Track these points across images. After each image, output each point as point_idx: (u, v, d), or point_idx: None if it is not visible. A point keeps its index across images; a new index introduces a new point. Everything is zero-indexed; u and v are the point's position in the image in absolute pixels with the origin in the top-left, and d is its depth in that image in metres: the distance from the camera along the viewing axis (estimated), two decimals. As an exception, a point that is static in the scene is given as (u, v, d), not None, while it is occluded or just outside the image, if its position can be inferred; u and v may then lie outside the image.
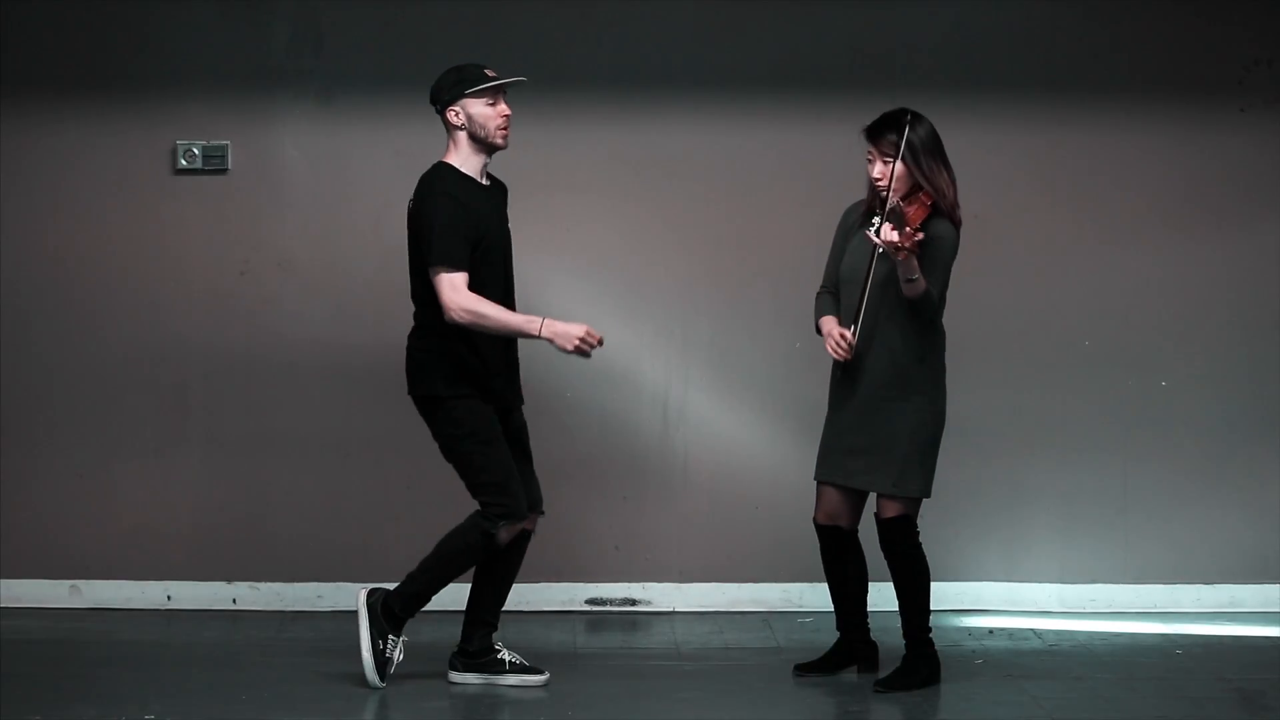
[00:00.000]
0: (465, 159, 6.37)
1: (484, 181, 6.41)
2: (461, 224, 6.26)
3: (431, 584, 6.49)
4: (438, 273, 6.24)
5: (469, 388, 6.36)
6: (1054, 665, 6.92)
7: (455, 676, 6.56)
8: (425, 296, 6.36)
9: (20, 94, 7.53)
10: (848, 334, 6.40)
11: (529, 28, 7.50)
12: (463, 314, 6.23)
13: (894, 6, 7.61)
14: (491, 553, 6.41)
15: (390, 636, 6.48)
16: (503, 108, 6.36)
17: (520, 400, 6.54)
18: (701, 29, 7.60)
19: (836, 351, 6.42)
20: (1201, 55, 7.66)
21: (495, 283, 6.39)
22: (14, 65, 7.52)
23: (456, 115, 6.33)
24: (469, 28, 7.52)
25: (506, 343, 6.42)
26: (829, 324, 6.51)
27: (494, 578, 6.52)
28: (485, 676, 6.54)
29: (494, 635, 6.57)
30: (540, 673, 6.55)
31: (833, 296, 6.58)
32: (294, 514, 7.62)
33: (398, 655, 6.49)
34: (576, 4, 7.53)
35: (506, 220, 6.48)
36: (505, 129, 6.36)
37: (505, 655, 6.55)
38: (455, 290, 6.23)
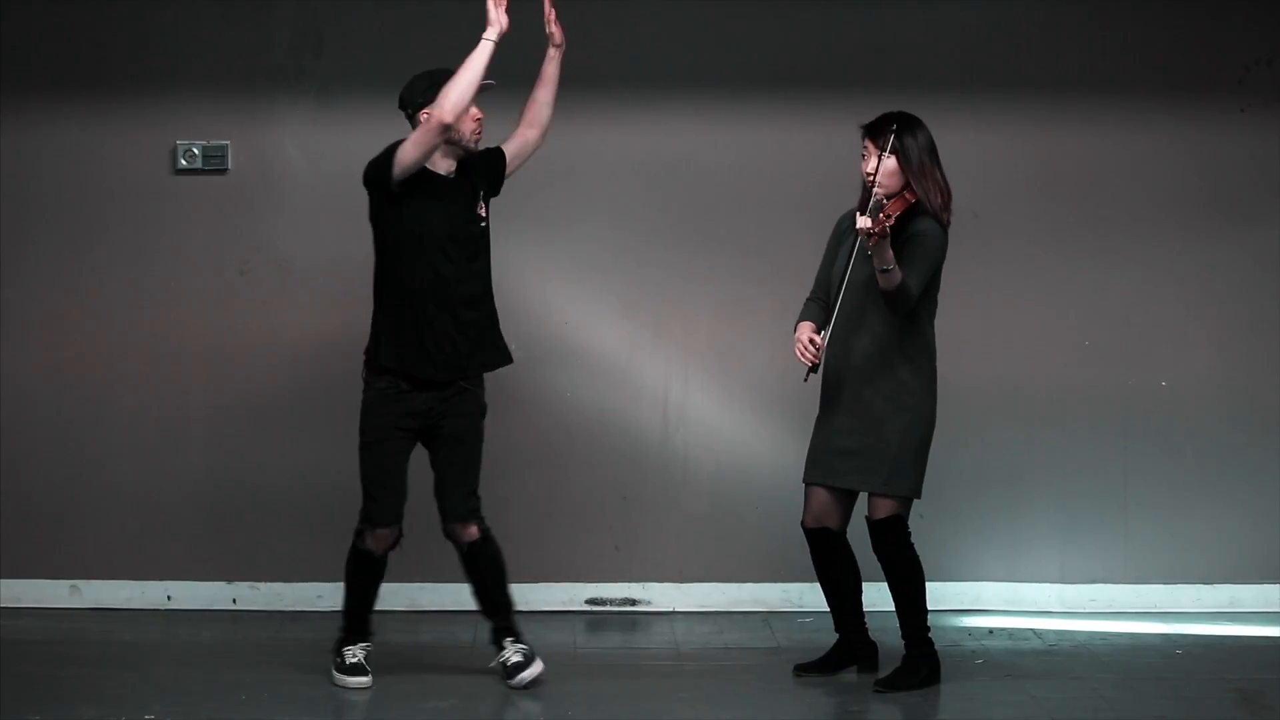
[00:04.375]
0: (436, 163, 6.44)
1: (442, 173, 6.46)
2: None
3: (347, 597, 6.58)
4: (412, 134, 6.31)
5: (390, 374, 6.43)
6: (1054, 665, 6.92)
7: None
8: (377, 270, 6.49)
9: (20, 94, 7.53)
10: (818, 339, 6.42)
11: (528, 28, 7.48)
12: (448, 114, 6.21)
13: (895, 7, 7.61)
14: (363, 558, 6.50)
15: (345, 649, 6.53)
16: (475, 110, 6.42)
17: (464, 374, 6.50)
18: (701, 29, 7.60)
19: (804, 356, 6.43)
20: (1201, 55, 7.66)
21: (423, 273, 6.40)
22: (14, 65, 7.52)
23: (430, 119, 6.36)
24: (469, 28, 7.48)
25: (445, 314, 6.42)
26: (803, 328, 6.53)
27: (470, 579, 6.58)
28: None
29: (504, 636, 6.57)
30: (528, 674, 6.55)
31: (818, 304, 6.60)
32: (294, 514, 7.62)
33: (357, 658, 6.53)
34: (576, 4, 7.52)
35: (468, 210, 6.46)
36: (479, 131, 6.43)
37: (508, 651, 6.55)
38: (428, 119, 6.27)
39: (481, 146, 6.50)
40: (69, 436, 7.59)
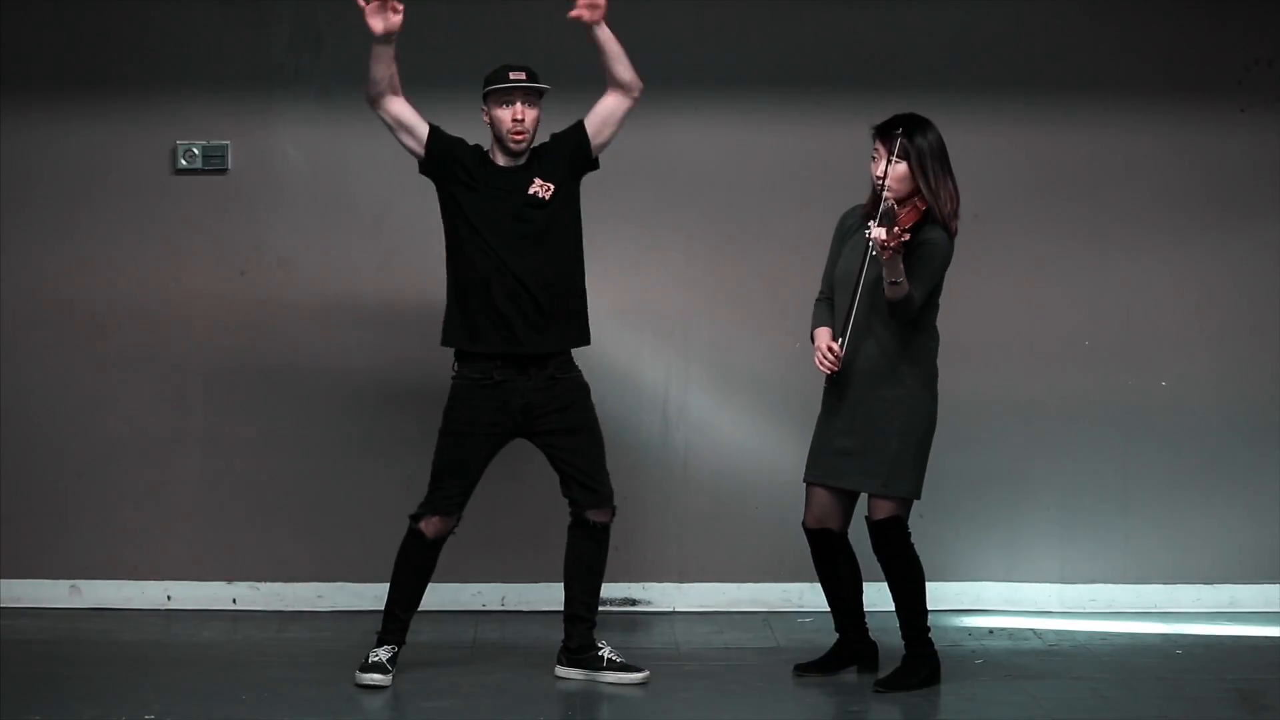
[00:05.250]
0: (496, 155, 6.54)
1: (500, 164, 6.52)
2: (454, 140, 6.55)
3: (391, 587, 6.59)
4: None
5: (480, 360, 6.47)
6: (1054, 665, 6.92)
7: (559, 671, 6.64)
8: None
9: (20, 94, 7.52)
10: (835, 346, 6.41)
11: (529, 28, 7.50)
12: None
13: (895, 7, 7.61)
14: (416, 541, 6.51)
15: (376, 648, 6.54)
16: (516, 109, 6.46)
17: (529, 352, 6.49)
18: (702, 29, 7.60)
19: (823, 364, 6.43)
20: (1201, 55, 7.66)
21: (469, 260, 6.45)
22: (14, 65, 7.52)
23: (485, 115, 6.53)
24: (468, 28, 7.53)
25: (494, 297, 6.45)
26: (821, 336, 6.52)
27: (572, 572, 6.63)
28: (586, 673, 6.61)
29: (594, 632, 6.64)
30: (638, 670, 6.59)
31: (829, 304, 6.59)
32: (294, 514, 7.62)
33: (379, 657, 6.53)
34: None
35: (518, 195, 6.48)
36: (517, 132, 6.46)
37: (604, 653, 6.60)
38: None
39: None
40: (69, 436, 7.59)
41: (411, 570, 6.56)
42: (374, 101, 6.51)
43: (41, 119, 7.53)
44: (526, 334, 6.47)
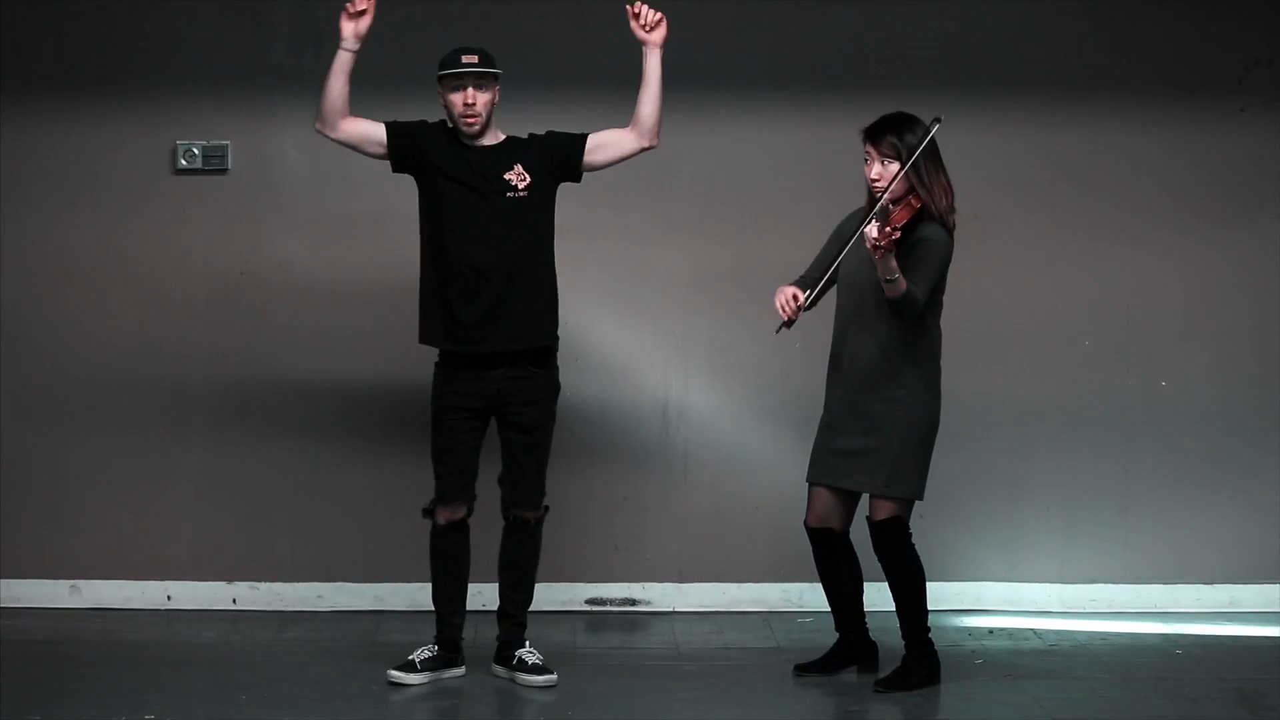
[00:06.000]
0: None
1: (473, 145, 6.49)
2: (413, 125, 6.50)
3: (431, 586, 6.59)
4: None
5: (440, 347, 6.50)
6: (1054, 665, 6.93)
7: (493, 669, 6.65)
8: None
9: (20, 94, 7.53)
10: (801, 295, 6.40)
11: (529, 27, 7.51)
12: (316, 121, 6.51)
13: (895, 7, 7.62)
14: (435, 533, 6.55)
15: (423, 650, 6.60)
16: (467, 94, 6.42)
17: (503, 348, 6.47)
18: (701, 29, 7.60)
19: (784, 310, 6.40)
20: (1201, 55, 7.66)
21: (432, 246, 6.46)
22: (14, 65, 7.52)
23: (441, 99, 6.48)
24: (468, 27, 7.51)
25: (450, 286, 6.45)
26: (786, 287, 6.49)
27: (501, 565, 6.63)
28: (506, 671, 6.61)
29: (522, 632, 6.63)
30: (549, 673, 6.55)
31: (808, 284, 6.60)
32: (294, 514, 7.62)
33: (412, 656, 6.56)
34: (576, 4, 7.53)
35: (489, 181, 6.45)
36: (468, 117, 6.43)
37: (520, 652, 6.58)
38: None
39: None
40: (69, 436, 7.59)
41: (437, 561, 6.58)
42: (329, 125, 6.47)
43: (41, 119, 7.53)
44: (481, 331, 6.44)
